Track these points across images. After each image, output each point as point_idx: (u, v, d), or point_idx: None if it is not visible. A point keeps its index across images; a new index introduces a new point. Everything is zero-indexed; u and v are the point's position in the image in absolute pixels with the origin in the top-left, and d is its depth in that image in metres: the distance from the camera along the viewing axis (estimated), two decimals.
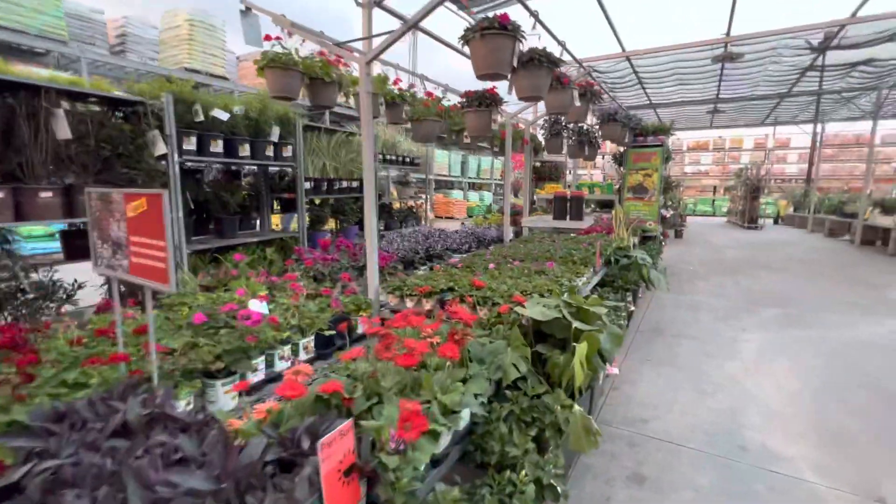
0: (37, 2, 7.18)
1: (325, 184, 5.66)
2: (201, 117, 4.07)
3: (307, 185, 5.34)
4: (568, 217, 3.37)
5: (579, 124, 5.30)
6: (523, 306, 2.25)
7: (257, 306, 2.68)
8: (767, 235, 13.21)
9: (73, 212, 3.26)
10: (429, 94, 4.09)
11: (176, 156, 3.82)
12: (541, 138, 6.17)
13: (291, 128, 5.12)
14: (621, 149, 7.56)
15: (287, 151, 5.03)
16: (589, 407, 2.38)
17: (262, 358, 2.26)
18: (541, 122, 5.73)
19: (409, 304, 2.84)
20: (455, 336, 1.87)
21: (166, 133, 3.72)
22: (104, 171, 3.34)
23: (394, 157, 7.02)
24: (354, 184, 6.19)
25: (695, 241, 11.72)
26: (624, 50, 7.53)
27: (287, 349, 2.41)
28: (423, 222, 7.97)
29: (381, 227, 7.09)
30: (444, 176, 20.44)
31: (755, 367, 3.62)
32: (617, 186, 7.94)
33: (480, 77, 2.60)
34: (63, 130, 3.07)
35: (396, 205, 7.93)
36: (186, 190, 4.34)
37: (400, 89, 4.20)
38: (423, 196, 8.12)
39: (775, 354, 3.91)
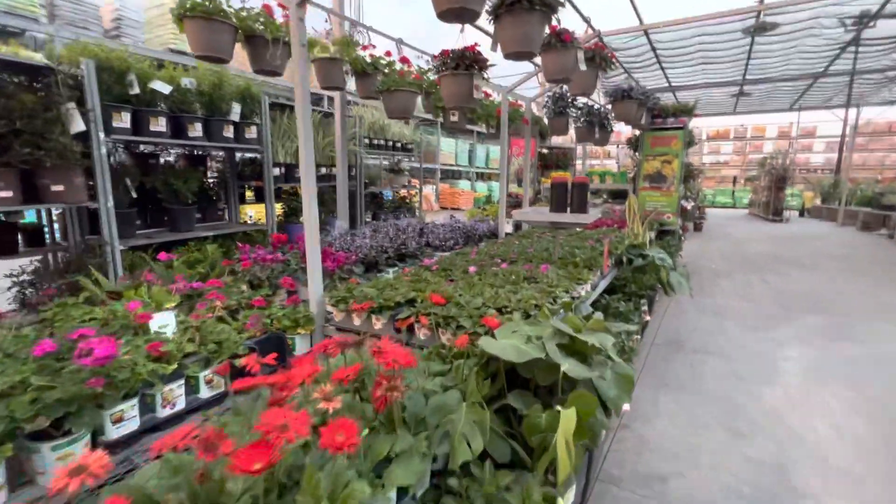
0: None
1: (297, 171, 5.02)
2: (136, 89, 3.46)
3: (276, 171, 4.71)
4: (569, 209, 2.71)
5: (587, 101, 4.57)
6: (494, 334, 1.60)
7: (162, 321, 2.08)
8: (794, 228, 12.27)
9: None
10: (403, 59, 3.41)
11: (102, 135, 3.22)
12: (546, 120, 5.45)
13: (256, 105, 4.49)
14: (636, 133, 6.78)
15: (251, 133, 4.40)
16: (585, 476, 1.73)
17: (135, 401, 1.66)
18: (544, 99, 4.99)
19: (357, 321, 2.21)
20: (379, 389, 1.23)
21: (87, 107, 3.12)
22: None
23: (382, 142, 6.36)
24: (335, 170, 5.55)
25: (716, 235, 10.87)
26: (642, 23, 6.71)
27: (177, 386, 1.80)
28: (416, 214, 7.32)
29: (369, 219, 6.46)
30: (451, 165, 19.74)
31: (801, 397, 2.92)
32: (631, 174, 7.18)
33: (441, 15, 1.92)
34: None
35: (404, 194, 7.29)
36: (126, 176, 3.76)
37: (372, 56, 3.53)
38: (417, 185, 7.45)
39: (825, 379, 3.19)
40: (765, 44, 7.98)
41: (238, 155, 5.00)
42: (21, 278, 3.00)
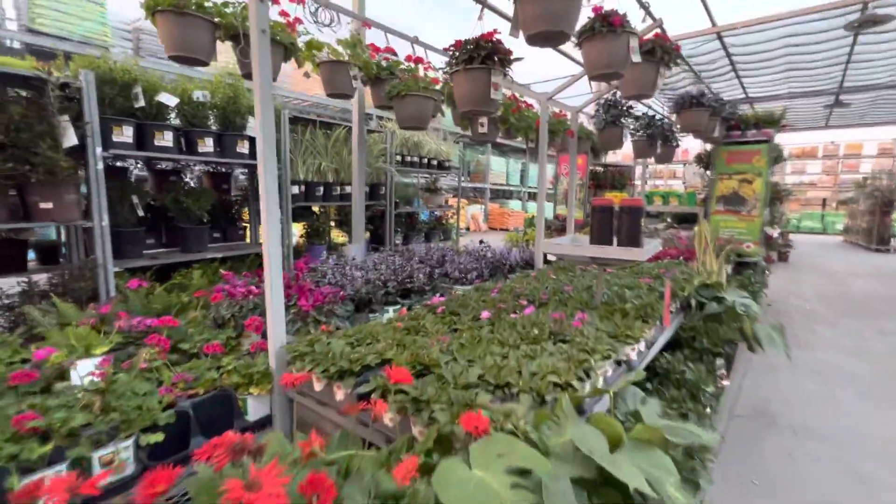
0: (80, 9, 7.14)
1: (322, 188, 4.70)
2: (142, 102, 3.26)
3: (295, 189, 4.40)
4: (616, 240, 2.03)
5: (644, 105, 3.84)
6: (474, 437, 0.99)
7: (88, 371, 1.67)
8: None
9: None
10: (416, 59, 2.93)
11: (99, 149, 3.01)
12: (593, 128, 4.74)
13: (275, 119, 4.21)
14: (707, 148, 5.85)
15: None
16: None
17: None
18: (592, 109, 4.31)
19: (318, 386, 1.67)
20: None
21: (85, 120, 2.93)
22: None
23: (416, 159, 5.94)
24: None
25: (806, 267, 9.33)
26: (714, 24, 5.85)
27: (55, 473, 1.34)
28: (452, 236, 6.79)
29: (399, 241, 6.02)
30: (501, 185, 19.20)
31: None
32: (702, 195, 6.20)
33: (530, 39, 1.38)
34: None
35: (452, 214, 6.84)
36: (133, 193, 3.57)
37: (387, 58, 3.10)
38: (455, 205, 6.94)
39: None
40: (871, 43, 6.73)
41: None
42: (7, 300, 2.80)
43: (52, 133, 2.78)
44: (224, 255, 4.00)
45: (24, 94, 2.84)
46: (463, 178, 17.61)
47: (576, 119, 4.38)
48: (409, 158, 5.80)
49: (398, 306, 2.58)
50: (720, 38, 6.52)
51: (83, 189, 3.12)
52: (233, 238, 4.78)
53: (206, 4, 2.18)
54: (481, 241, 4.02)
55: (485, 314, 2.19)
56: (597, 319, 2.15)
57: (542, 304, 2.50)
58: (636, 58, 2.20)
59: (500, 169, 18.38)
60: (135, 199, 3.55)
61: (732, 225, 5.16)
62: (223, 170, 4.89)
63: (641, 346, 2.03)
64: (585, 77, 2.86)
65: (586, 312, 2.22)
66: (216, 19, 2.27)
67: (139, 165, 4.39)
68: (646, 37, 2.70)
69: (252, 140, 4.00)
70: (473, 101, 2.17)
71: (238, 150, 3.88)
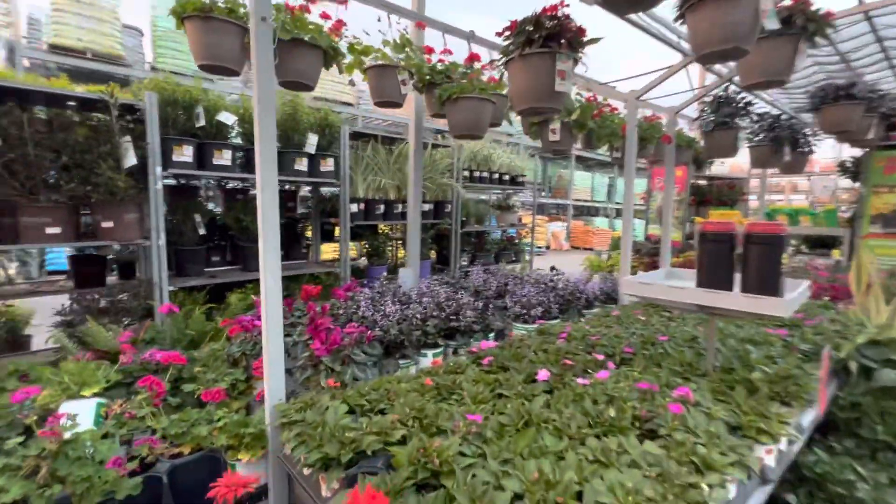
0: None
1: (382, 206, 4.46)
2: (202, 122, 3.26)
3: (354, 207, 4.20)
4: (741, 283, 1.38)
5: (764, 100, 2.98)
6: None
7: (77, 412, 1.47)
8: None
9: (9, 236, 2.64)
10: (471, 56, 2.51)
11: (158, 169, 3.03)
12: (700, 138, 3.90)
13: (334, 135, 4.08)
14: (855, 153, 4.62)
15: (328, 165, 3.98)
16: None
17: None
18: (695, 109, 3.50)
19: (305, 470, 1.27)
20: None
21: (147, 141, 2.96)
22: (49, 186, 2.66)
23: (486, 174, 5.51)
24: (426, 207, 4.87)
25: None
26: (861, 2, 4.69)
27: None
28: (526, 257, 6.20)
29: (467, 263, 5.59)
30: (586, 201, 18.02)
31: None
32: (847, 214, 4.91)
33: None
34: None
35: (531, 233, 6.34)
36: (195, 211, 3.59)
37: (442, 60, 2.73)
38: (529, 224, 6.36)
39: None
40: None
41: (324, 190, 4.68)
42: (63, 317, 2.86)
43: (113, 154, 2.83)
44: (285, 273, 3.88)
45: (92, 116, 2.92)
46: (543, 194, 16.83)
47: (673, 123, 3.63)
48: (477, 174, 5.39)
49: (439, 350, 2.12)
50: (868, 18, 5.24)
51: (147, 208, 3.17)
52: (295, 257, 4.72)
53: (235, 8, 1.98)
54: (553, 268, 3.42)
55: (542, 374, 1.65)
56: (708, 396, 1.49)
57: (623, 360, 1.88)
58: (771, 23, 1.55)
59: (584, 184, 17.26)
60: (197, 218, 3.57)
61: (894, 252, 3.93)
62: (289, 188, 4.91)
63: (782, 443, 1.34)
64: (684, 70, 2.22)
65: (692, 382, 1.57)
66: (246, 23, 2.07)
67: (210, 184, 4.53)
68: (780, 3, 2.00)
69: (311, 157, 3.88)
70: (532, 94, 1.68)
71: (296, 167, 3.77)
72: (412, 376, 1.73)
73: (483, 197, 7.31)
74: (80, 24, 7.57)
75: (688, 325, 2.42)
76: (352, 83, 2.68)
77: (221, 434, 1.51)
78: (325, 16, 2.33)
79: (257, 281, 3.78)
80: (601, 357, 1.87)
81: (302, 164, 3.81)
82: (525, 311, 2.62)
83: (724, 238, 1.50)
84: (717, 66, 3.35)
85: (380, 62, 2.54)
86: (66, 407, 1.56)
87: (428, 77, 2.70)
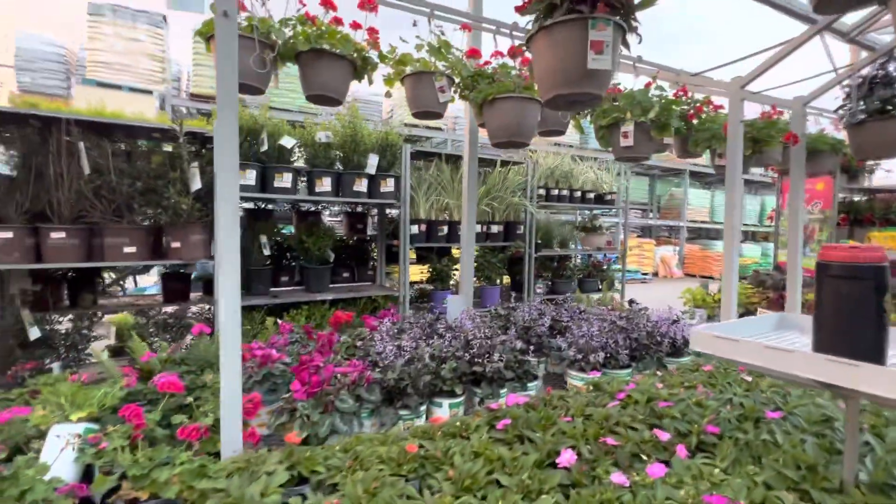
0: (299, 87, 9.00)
1: (445, 227, 4.22)
2: (266, 146, 3.38)
3: (414, 228, 4.03)
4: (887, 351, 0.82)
5: None
6: None
7: (61, 436, 1.44)
8: None
9: (91, 255, 2.92)
10: (513, 49, 2.14)
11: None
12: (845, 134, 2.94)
13: (395, 155, 3.97)
14: None
15: (388, 185, 3.88)
16: None
17: None
18: (839, 95, 2.59)
19: None
20: None
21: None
22: (128, 210, 2.91)
23: (566, 192, 4.97)
24: (495, 228, 4.51)
25: None
26: None
27: None
28: (614, 285, 5.41)
29: (544, 290, 5.05)
30: (703, 223, 15.86)
31: None
32: None
33: None
34: (84, 165, 2.77)
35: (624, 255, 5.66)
36: (261, 233, 3.72)
37: (488, 62, 2.42)
38: (621, 247, 5.58)
39: None
40: None
41: (391, 212, 4.61)
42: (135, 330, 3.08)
43: (182, 179, 3.03)
44: (345, 296, 3.84)
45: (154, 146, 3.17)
46: (651, 216, 15.18)
47: (801, 118, 2.79)
48: (556, 192, 4.87)
49: (458, 401, 1.73)
50: None
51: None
52: (362, 278, 4.70)
53: (256, 24, 1.92)
54: (631, 301, 2.79)
55: (566, 457, 1.18)
56: None
57: (702, 446, 1.30)
58: None
59: (700, 203, 15.22)
60: (263, 239, 3.71)
61: None
62: (360, 210, 4.96)
63: None
64: (817, 38, 1.59)
65: None
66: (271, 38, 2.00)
67: (282, 207, 4.76)
68: None
69: (371, 178, 3.81)
70: (559, 77, 1.27)
71: (355, 188, 3.73)
72: (401, 436, 1.39)
73: (568, 217, 6.69)
74: (213, 74, 8.85)
75: (822, 395, 1.68)
76: (388, 95, 2.50)
77: (181, 479, 1.33)
78: (355, 25, 2.18)
79: (318, 302, 3.79)
80: (666, 437, 1.32)
81: (361, 185, 3.75)
82: (581, 355, 2.10)
83: (865, 274, 0.91)
84: (868, 35, 2.49)
85: (413, 70, 2.31)
86: (56, 430, 1.53)
87: (469, 81, 2.40)
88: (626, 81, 2.53)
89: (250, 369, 1.78)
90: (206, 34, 1.97)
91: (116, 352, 3.34)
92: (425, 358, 1.71)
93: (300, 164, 3.87)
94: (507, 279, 5.26)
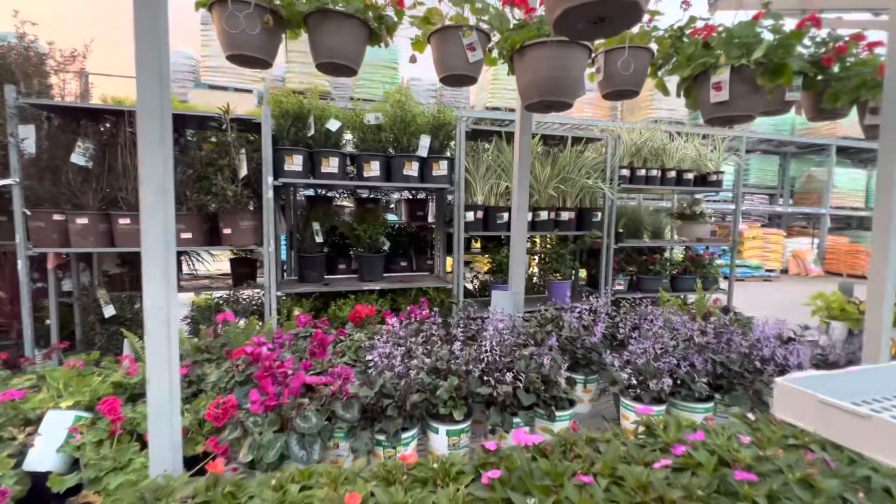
0: (381, 76, 9.21)
1: (506, 214, 3.79)
2: (312, 131, 3.28)
3: (470, 215, 3.67)
4: None
5: None
6: None
7: (55, 422, 1.44)
8: None
9: None
10: None
11: (270, 178, 3.15)
12: None
13: (449, 135, 3.64)
14: None
15: (440, 168, 3.58)
16: None
17: None
18: None
19: None
20: None
21: (263, 152, 3.11)
22: (185, 198, 3.01)
23: (655, 173, 4.19)
24: (565, 215, 3.96)
25: None
26: None
27: None
28: (718, 282, 4.47)
29: (626, 288, 4.37)
30: (857, 209, 12.94)
31: None
32: None
33: None
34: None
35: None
36: (314, 220, 3.68)
37: (532, 9, 1.96)
38: (729, 237, 4.59)
39: None
40: None
41: (450, 198, 4.31)
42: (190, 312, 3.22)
43: (230, 166, 3.06)
44: (397, 286, 3.67)
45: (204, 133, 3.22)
46: (781, 202, 12.75)
47: None
48: (642, 172, 4.13)
49: (458, 428, 1.38)
50: None
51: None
52: (421, 268, 4.49)
53: None
54: (727, 310, 2.14)
55: None
56: None
57: None
58: None
59: (852, 185, 12.40)
60: (315, 226, 3.67)
61: None
62: (420, 196, 4.73)
63: None
64: None
65: None
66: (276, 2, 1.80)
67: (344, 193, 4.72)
68: None
69: (422, 161, 3.54)
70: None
71: (405, 172, 3.49)
72: (356, 471, 1.09)
73: (664, 204, 5.76)
74: (303, 69, 9.28)
75: None
76: (413, 59, 2.17)
77: (116, 494, 1.19)
78: None
79: (371, 291, 3.66)
80: None
81: (412, 169, 3.50)
82: (640, 379, 1.58)
83: None
84: None
85: (440, 24, 1.95)
86: (50, 416, 1.52)
87: (511, 35, 1.97)
88: (726, 19, 1.87)
89: (237, 368, 1.63)
90: (207, 3, 1.83)
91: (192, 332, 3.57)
92: (411, 372, 1.38)
93: (353, 150, 3.76)
94: (583, 273, 4.66)
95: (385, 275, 4.01)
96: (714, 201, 10.05)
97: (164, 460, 1.10)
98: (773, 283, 10.16)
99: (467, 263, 8.49)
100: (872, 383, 0.66)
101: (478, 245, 4.96)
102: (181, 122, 3.23)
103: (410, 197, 4.71)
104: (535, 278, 4.41)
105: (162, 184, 1.07)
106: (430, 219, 4.70)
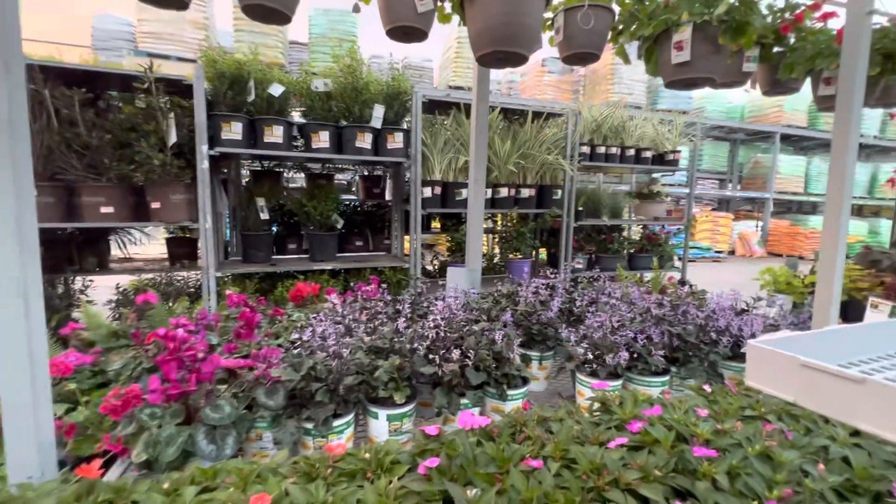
0: (339, 51, 8.79)
1: (464, 191, 3.66)
2: (253, 96, 2.99)
3: (427, 191, 3.51)
4: None
5: None
6: None
7: None
8: None
9: (70, 215, 2.73)
10: None
11: (204, 148, 2.85)
12: None
13: (404, 106, 3.43)
14: None
15: (395, 141, 3.37)
16: None
17: None
18: None
19: None
20: None
21: (196, 118, 2.80)
22: (106, 168, 2.67)
23: (616, 151, 4.16)
24: (525, 192, 3.87)
25: None
26: None
27: None
28: (675, 260, 4.56)
29: (585, 266, 4.36)
30: (796, 194, 13.72)
31: None
32: None
33: None
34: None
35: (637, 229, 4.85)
36: (258, 195, 3.40)
37: None
38: (682, 219, 4.68)
39: None
40: None
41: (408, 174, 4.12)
42: (120, 296, 2.91)
43: (157, 132, 2.73)
44: (350, 266, 3.46)
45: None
46: (730, 186, 13.35)
47: None
48: (602, 150, 4.09)
49: (400, 412, 1.24)
50: None
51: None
52: (378, 248, 4.30)
53: None
54: (682, 282, 2.11)
55: None
56: None
57: None
58: None
59: (793, 171, 13.12)
60: (260, 202, 3.39)
61: None
62: (377, 171, 4.51)
63: None
64: None
65: None
66: None
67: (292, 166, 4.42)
68: None
69: (377, 132, 3.32)
70: None
71: (358, 144, 3.26)
72: (273, 467, 0.94)
73: (623, 187, 5.81)
74: (253, 39, 8.69)
75: None
76: (356, 9, 1.95)
77: None
78: None
79: (322, 272, 3.44)
80: None
81: (365, 141, 3.28)
82: (597, 353, 1.50)
83: None
84: None
85: None
86: None
87: None
88: None
89: (145, 353, 1.42)
90: None
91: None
92: (344, 352, 1.23)
93: (301, 120, 3.48)
94: (543, 253, 4.62)
95: (339, 255, 3.80)
96: (669, 185, 10.32)
97: (29, 464, 0.90)
98: (722, 263, 10.64)
99: (430, 246, 8.31)
100: (858, 343, 0.57)
101: (437, 225, 4.81)
102: (99, 82, 2.85)
103: (367, 174, 4.48)
104: (495, 258, 4.32)
105: (7, 120, 0.84)
106: (388, 196, 4.50)
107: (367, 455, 0.99)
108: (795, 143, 13.59)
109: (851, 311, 2.95)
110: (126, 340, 1.92)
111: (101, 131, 2.66)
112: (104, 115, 2.74)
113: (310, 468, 0.95)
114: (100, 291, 3.04)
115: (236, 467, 0.93)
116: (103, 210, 2.73)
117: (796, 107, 11.63)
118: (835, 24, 2.25)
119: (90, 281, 3.11)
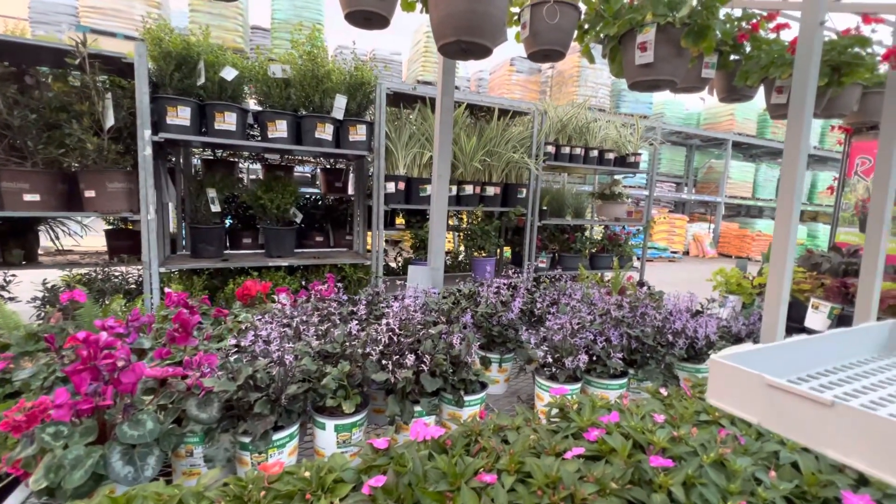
0: (302, 38, 8.40)
1: (429, 187, 3.58)
2: (203, 79, 2.79)
3: (391, 186, 3.41)
4: None
5: None
6: None
7: None
8: None
9: None
10: None
11: (147, 133, 2.62)
12: None
13: (367, 97, 3.31)
14: None
15: (358, 133, 3.25)
16: None
17: None
18: None
19: None
20: None
21: (137, 100, 2.57)
22: (18, 149, 2.41)
23: (580, 151, 4.20)
24: (491, 190, 3.84)
25: None
26: None
27: None
28: (634, 259, 4.68)
29: (548, 265, 4.38)
30: (745, 199, 14.49)
31: None
32: None
33: None
34: None
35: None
36: (209, 185, 3.19)
37: None
38: (642, 219, 4.80)
39: None
40: None
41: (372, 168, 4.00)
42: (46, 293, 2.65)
43: (92, 114, 2.49)
44: (308, 262, 3.31)
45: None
46: (686, 190, 13.96)
47: None
48: (567, 150, 4.12)
49: (351, 422, 1.16)
50: None
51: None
52: (339, 244, 4.16)
53: None
54: (641, 283, 2.13)
55: None
56: None
57: None
58: None
59: (743, 177, 13.86)
60: (211, 194, 3.18)
61: None
62: (340, 165, 4.36)
63: None
64: None
65: None
66: None
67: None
68: None
69: (339, 124, 3.19)
70: None
71: (318, 135, 3.11)
72: (200, 490, 0.83)
73: (587, 188, 5.91)
74: (210, 21, 8.22)
75: None
76: None
77: None
78: None
79: (278, 268, 3.27)
80: None
81: (325, 132, 3.13)
82: (556, 356, 1.47)
83: None
84: None
85: None
86: None
87: None
88: None
89: (60, 360, 1.26)
90: None
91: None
92: (287, 358, 1.13)
93: (257, 107, 3.29)
94: (507, 252, 4.62)
95: (297, 250, 3.64)
96: (630, 187, 10.64)
97: None
98: (677, 263, 11.09)
99: (395, 242, 8.17)
100: (807, 355, 0.55)
101: (401, 221, 4.71)
102: (24, 56, 2.57)
103: (328, 166, 4.32)
104: (461, 255, 4.28)
105: None
106: (351, 191, 4.35)
107: (308, 473, 0.90)
108: (745, 150, 14.36)
109: (794, 311, 3.10)
110: (36, 343, 1.73)
111: (24, 110, 2.39)
112: (30, 91, 2.47)
113: (241, 490, 0.85)
114: (25, 287, 2.76)
115: (155, 492, 0.82)
116: (27, 198, 2.47)
117: (747, 116, 12.28)
118: (787, 36, 2.33)
119: (13, 276, 2.81)
